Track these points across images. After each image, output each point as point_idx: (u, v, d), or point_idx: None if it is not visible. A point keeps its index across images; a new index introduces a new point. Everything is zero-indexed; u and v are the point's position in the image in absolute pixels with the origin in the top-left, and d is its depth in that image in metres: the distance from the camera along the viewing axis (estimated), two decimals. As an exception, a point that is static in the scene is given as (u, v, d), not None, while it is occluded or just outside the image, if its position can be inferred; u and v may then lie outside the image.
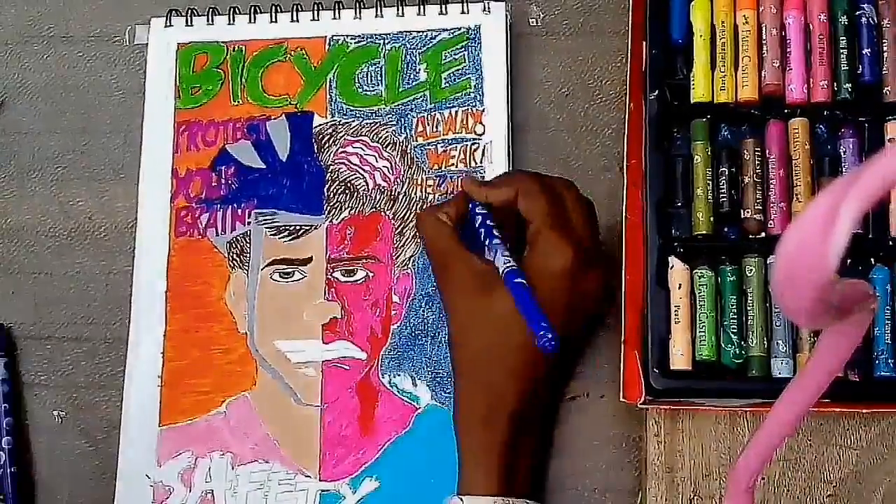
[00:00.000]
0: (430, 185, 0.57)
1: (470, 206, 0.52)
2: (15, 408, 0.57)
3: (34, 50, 0.63)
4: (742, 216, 0.51)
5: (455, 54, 0.58)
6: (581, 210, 0.52)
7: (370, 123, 0.58)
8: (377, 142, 0.58)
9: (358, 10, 0.59)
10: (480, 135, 0.57)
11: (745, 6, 0.53)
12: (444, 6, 0.59)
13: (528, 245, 0.51)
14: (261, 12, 0.60)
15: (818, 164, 0.52)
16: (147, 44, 0.60)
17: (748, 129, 0.53)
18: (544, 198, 0.50)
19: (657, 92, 0.52)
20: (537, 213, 0.50)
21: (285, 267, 0.56)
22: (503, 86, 0.57)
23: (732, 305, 0.50)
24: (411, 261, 0.56)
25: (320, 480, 0.53)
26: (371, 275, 0.56)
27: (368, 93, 0.58)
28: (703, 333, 0.50)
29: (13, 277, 0.60)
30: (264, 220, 0.57)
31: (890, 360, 0.49)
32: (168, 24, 0.60)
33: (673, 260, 0.51)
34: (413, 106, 0.58)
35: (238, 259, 0.57)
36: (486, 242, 0.51)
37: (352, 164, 0.57)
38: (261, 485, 0.53)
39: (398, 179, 0.57)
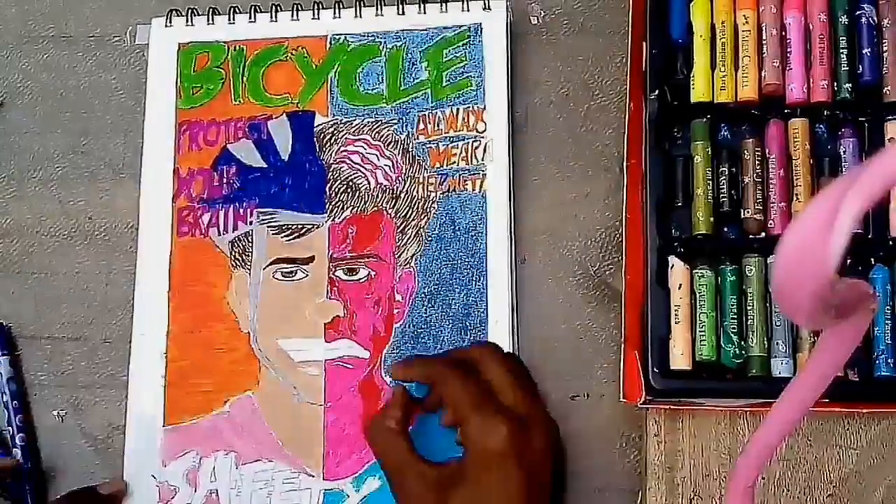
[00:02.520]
0: (431, 183, 0.57)
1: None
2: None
3: (34, 50, 0.63)
4: (742, 216, 0.51)
5: (456, 52, 0.58)
6: (506, 373, 0.49)
7: (371, 122, 0.58)
8: (379, 140, 0.58)
9: (358, 9, 0.59)
10: (482, 132, 0.57)
11: (745, 6, 0.53)
12: (444, 4, 0.59)
13: (460, 433, 0.48)
14: (261, 11, 0.60)
15: (818, 164, 0.52)
16: (147, 44, 0.60)
17: (748, 129, 0.53)
18: (457, 381, 0.48)
19: (657, 92, 0.52)
20: (455, 399, 0.48)
21: (287, 266, 0.56)
22: (504, 83, 0.57)
23: (732, 305, 0.50)
24: (413, 259, 0.56)
25: (324, 479, 0.53)
26: (373, 273, 0.56)
27: (370, 91, 0.58)
28: (703, 333, 0.50)
29: (13, 277, 0.60)
30: (266, 219, 0.57)
31: (890, 360, 0.49)
32: (168, 23, 0.60)
33: (673, 260, 0.51)
34: (414, 104, 0.58)
35: (240, 258, 0.57)
36: None
37: (353, 162, 0.57)
38: (265, 484, 0.54)
39: (400, 178, 0.57)
